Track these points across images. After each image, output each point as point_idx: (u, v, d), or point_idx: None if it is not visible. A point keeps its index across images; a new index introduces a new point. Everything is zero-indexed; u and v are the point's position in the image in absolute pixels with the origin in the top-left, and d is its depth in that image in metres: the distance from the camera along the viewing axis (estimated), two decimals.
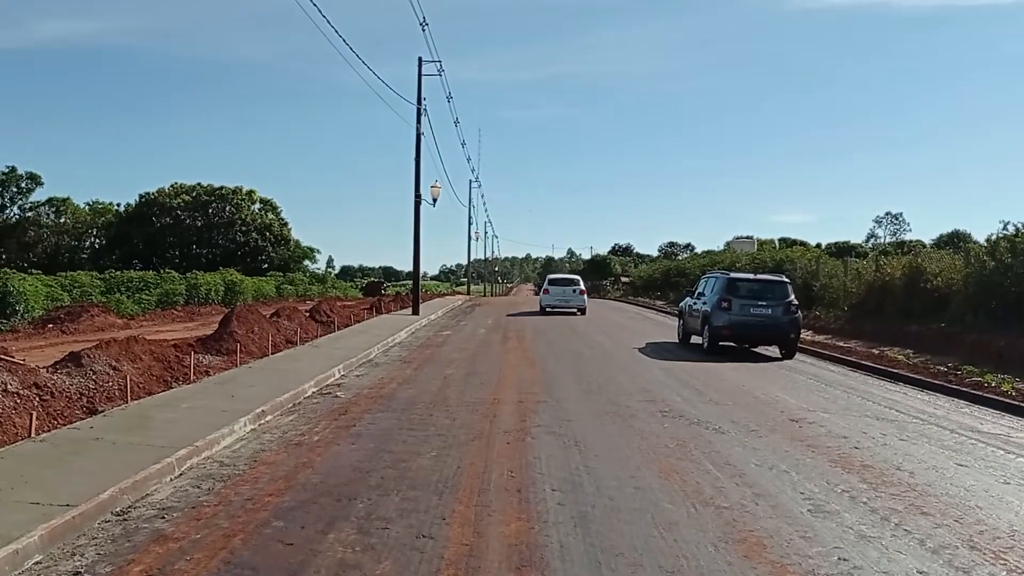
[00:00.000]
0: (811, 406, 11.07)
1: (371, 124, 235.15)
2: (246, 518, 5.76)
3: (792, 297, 17.72)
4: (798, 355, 17.77)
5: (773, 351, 18.28)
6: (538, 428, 9.01)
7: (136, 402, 9.74)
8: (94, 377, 10.26)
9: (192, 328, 21.85)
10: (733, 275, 18.56)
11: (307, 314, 22.82)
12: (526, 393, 11.61)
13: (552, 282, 35.27)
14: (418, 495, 6.33)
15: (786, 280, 18.37)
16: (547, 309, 33.08)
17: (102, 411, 9.21)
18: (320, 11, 21.11)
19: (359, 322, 24.74)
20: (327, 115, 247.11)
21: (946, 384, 13.36)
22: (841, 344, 20.60)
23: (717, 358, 16.77)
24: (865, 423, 9.92)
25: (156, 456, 7.23)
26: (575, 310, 32.98)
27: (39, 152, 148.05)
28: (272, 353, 15.52)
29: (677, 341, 20.54)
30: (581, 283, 35.42)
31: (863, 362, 16.40)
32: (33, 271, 27.46)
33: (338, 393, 11.76)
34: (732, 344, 18.15)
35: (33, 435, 7.69)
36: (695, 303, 19.23)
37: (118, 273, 31.10)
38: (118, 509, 6.03)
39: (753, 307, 17.34)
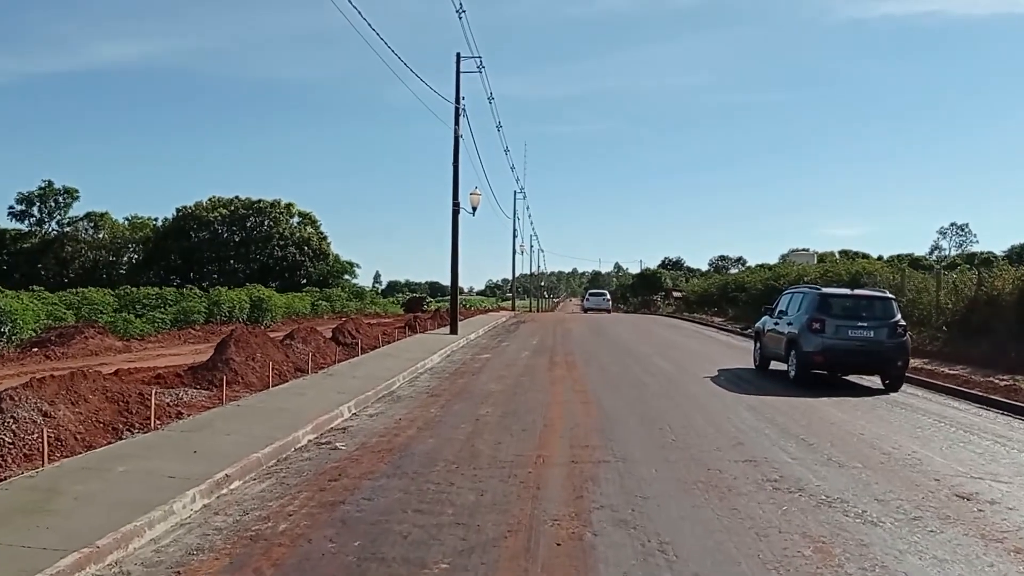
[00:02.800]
0: (969, 468, 8.15)
1: (419, 140, 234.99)
2: None
3: (899, 316, 14.68)
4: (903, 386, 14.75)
5: (870, 380, 15.32)
6: (601, 512, 6.28)
7: (55, 465, 7.24)
8: (14, 427, 7.83)
9: (202, 351, 19.50)
10: (826, 290, 15.55)
11: (328, 335, 20.38)
12: (580, 446, 8.87)
13: (591, 293, 66.31)
14: None
15: (890, 296, 15.30)
16: (587, 311, 57.72)
17: (2, 480, 6.75)
18: (362, 15, 18.81)
19: (389, 343, 22.21)
20: (376, 132, 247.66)
21: None
22: (946, 371, 17.44)
23: (809, 391, 13.85)
24: None
25: (21, 572, 4.71)
26: (605, 310, 56.98)
27: (77, 166, 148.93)
28: (275, 384, 13.04)
29: (753, 367, 17.60)
30: (608, 294, 66.54)
31: (993, 397, 13.31)
32: (34, 287, 25.56)
33: (339, 443, 9.17)
34: (821, 372, 15.15)
35: None
36: (776, 323, 16.29)
37: (133, 289, 29.05)
38: None
39: (852, 329, 14.33)
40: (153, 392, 9.53)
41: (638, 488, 7.02)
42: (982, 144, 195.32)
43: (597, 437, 9.42)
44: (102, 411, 8.95)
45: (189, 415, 10.06)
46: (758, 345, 17.60)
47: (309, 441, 9.32)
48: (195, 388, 12.21)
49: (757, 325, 18.00)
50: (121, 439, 8.58)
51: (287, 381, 13.68)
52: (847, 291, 16.03)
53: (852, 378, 15.68)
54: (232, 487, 7.21)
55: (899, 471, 7.91)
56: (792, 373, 14.96)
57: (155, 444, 8.35)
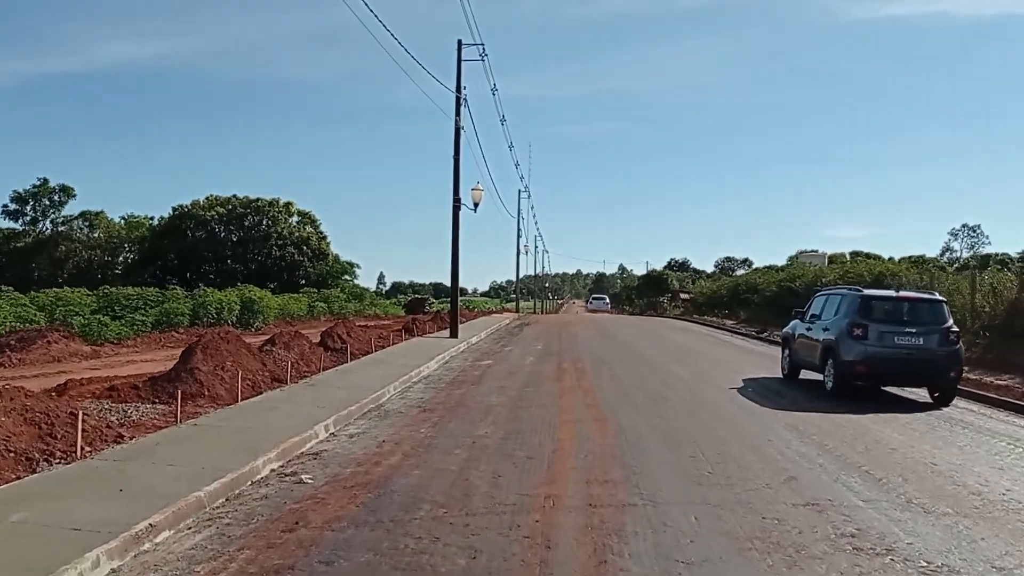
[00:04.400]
0: None
1: (424, 139, 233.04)
2: None
3: (950, 321, 13.06)
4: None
5: (914, 393, 13.73)
6: None
7: None
8: None
9: (178, 357, 17.96)
10: (867, 292, 13.92)
11: (316, 340, 18.81)
12: (598, 481, 7.27)
13: (594, 297, 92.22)
14: None
15: (941, 299, 13.64)
16: (590, 311, 75.37)
17: None
18: (372, 10, 17.28)
19: (383, 348, 20.62)
20: (382, 131, 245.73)
21: None
22: (994, 381, 15.81)
23: (850, 405, 12.23)
24: None
25: None
26: (605, 311, 73.82)
27: (73, 164, 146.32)
28: (246, 397, 11.48)
29: (781, 376, 15.98)
30: (607, 298, 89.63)
31: None
32: (4, 287, 24.02)
33: (306, 475, 7.59)
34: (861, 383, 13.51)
35: None
36: (809, 328, 14.67)
37: (112, 290, 27.52)
38: None
39: (898, 335, 12.72)
40: (80, 412, 7.92)
41: (676, 547, 5.41)
42: (988, 146, 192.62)
43: (617, 468, 7.82)
44: (17, 436, 7.37)
45: (132, 438, 8.49)
46: (787, 352, 15.97)
47: (271, 471, 7.75)
48: (152, 403, 10.67)
49: (786, 330, 16.37)
50: (35, 472, 7.00)
51: (261, 393, 12.13)
52: (891, 293, 14.42)
53: (893, 389, 14.09)
54: (157, 541, 5.64)
55: (1004, 520, 6.29)
56: (829, 384, 13.34)
57: (75, 479, 6.78)
